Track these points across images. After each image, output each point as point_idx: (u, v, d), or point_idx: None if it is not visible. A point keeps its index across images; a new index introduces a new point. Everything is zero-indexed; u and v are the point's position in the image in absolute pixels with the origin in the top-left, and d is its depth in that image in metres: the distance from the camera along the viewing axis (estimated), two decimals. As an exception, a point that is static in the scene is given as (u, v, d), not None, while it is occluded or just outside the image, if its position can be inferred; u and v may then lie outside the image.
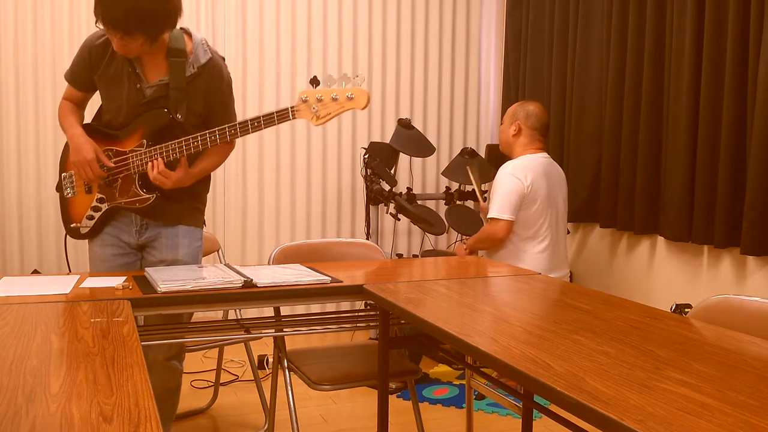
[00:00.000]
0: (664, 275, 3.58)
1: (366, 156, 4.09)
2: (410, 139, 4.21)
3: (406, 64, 4.73)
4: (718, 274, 3.28)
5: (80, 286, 2.04)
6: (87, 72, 2.38)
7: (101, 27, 2.18)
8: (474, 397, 3.28)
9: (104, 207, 2.40)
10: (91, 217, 2.42)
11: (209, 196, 4.37)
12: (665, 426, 1.08)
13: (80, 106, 2.50)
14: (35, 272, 4.06)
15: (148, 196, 2.35)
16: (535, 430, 2.92)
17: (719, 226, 3.13)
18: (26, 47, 4.05)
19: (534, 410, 2.63)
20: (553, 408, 1.57)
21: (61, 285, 2.04)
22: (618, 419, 1.11)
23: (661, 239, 3.59)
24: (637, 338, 1.57)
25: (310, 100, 2.20)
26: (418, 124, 4.69)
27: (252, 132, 2.25)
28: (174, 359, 2.49)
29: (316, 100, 2.19)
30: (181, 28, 2.36)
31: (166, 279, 2.07)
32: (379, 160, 4.05)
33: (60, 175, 2.50)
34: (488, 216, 3.32)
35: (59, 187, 2.51)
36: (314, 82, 2.20)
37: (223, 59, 2.44)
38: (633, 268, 3.79)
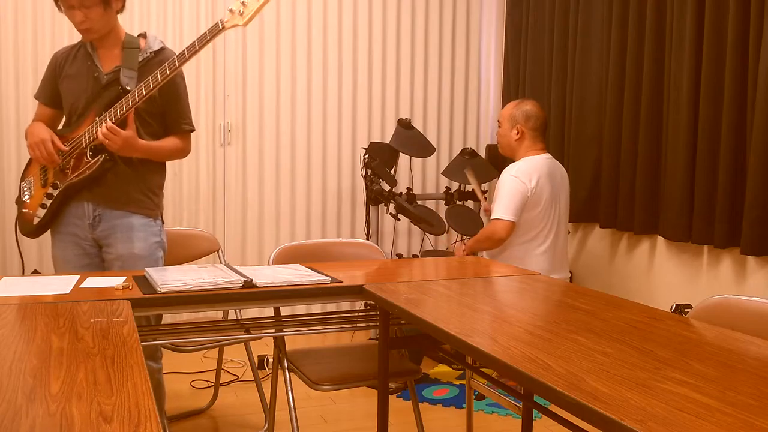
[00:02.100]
0: (664, 275, 3.58)
1: (366, 156, 4.09)
2: (410, 139, 4.21)
3: (406, 64, 4.73)
4: (718, 274, 3.28)
5: (80, 286, 2.04)
6: (53, 82, 2.54)
7: (62, 8, 2.35)
8: (474, 397, 3.28)
9: (56, 192, 2.46)
10: (44, 206, 2.48)
11: (209, 195, 4.40)
12: (665, 426, 1.08)
13: (50, 127, 2.56)
14: (35, 272, 4.06)
15: (95, 159, 2.41)
16: (535, 430, 2.92)
17: (719, 226, 3.13)
18: (26, 47, 4.05)
19: (534, 410, 2.63)
20: (553, 408, 1.57)
21: (61, 285, 2.04)
22: (618, 419, 1.11)
23: (661, 239, 3.59)
24: (637, 338, 1.57)
25: (235, 7, 2.33)
26: (418, 124, 4.69)
27: (189, 57, 2.34)
28: (148, 359, 2.50)
29: (241, 4, 2.32)
30: (139, 35, 2.54)
31: (166, 279, 2.07)
32: (379, 161, 4.05)
33: (20, 186, 2.58)
34: (491, 217, 3.31)
35: (18, 199, 2.58)
36: None
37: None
38: (633, 268, 3.79)
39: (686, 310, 3.00)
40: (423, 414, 3.04)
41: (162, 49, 2.52)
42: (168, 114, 2.51)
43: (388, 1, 4.66)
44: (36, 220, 2.48)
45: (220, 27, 2.33)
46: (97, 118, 2.40)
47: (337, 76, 4.59)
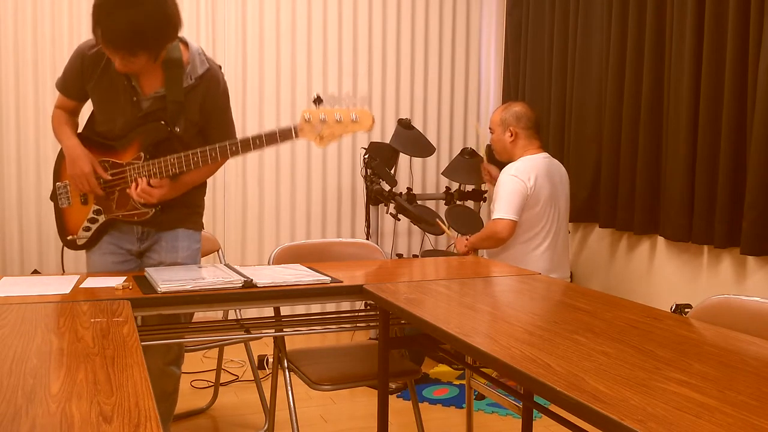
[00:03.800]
0: (664, 275, 3.58)
1: (366, 156, 4.09)
2: (410, 139, 4.21)
3: (406, 64, 4.73)
4: (718, 274, 3.28)
5: (80, 286, 2.04)
6: (79, 81, 2.33)
7: (103, 46, 2.12)
8: (474, 397, 3.28)
9: (101, 219, 2.38)
10: (87, 229, 2.40)
11: (209, 196, 4.39)
12: (665, 426, 1.08)
13: (73, 114, 2.47)
14: (35, 272, 4.06)
15: (146, 210, 2.34)
16: (535, 430, 2.92)
17: (719, 226, 3.13)
18: (26, 47, 4.05)
19: (534, 410, 2.63)
20: (553, 408, 1.57)
21: (61, 285, 2.04)
22: (618, 419, 1.11)
23: (661, 239, 3.59)
24: (637, 338, 1.57)
25: (314, 120, 2.17)
26: (418, 124, 4.69)
27: (253, 150, 2.22)
28: (172, 365, 2.49)
29: (320, 120, 2.16)
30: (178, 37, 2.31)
31: (166, 279, 2.07)
32: (379, 160, 4.05)
33: (54, 185, 2.48)
34: (492, 217, 3.31)
35: (53, 197, 2.48)
36: (317, 101, 2.17)
37: (220, 67, 2.41)
38: (633, 268, 3.79)
39: (686, 310, 3.00)
40: (423, 414, 3.04)
41: (207, 71, 2.31)
42: (212, 134, 2.36)
43: (388, 1, 4.66)
44: (80, 242, 2.41)
45: (293, 136, 2.18)
46: (141, 154, 2.28)
47: (337, 76, 4.59)
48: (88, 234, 2.41)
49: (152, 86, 2.27)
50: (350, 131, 2.17)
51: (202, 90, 2.32)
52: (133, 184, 2.27)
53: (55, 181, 2.48)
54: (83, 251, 2.49)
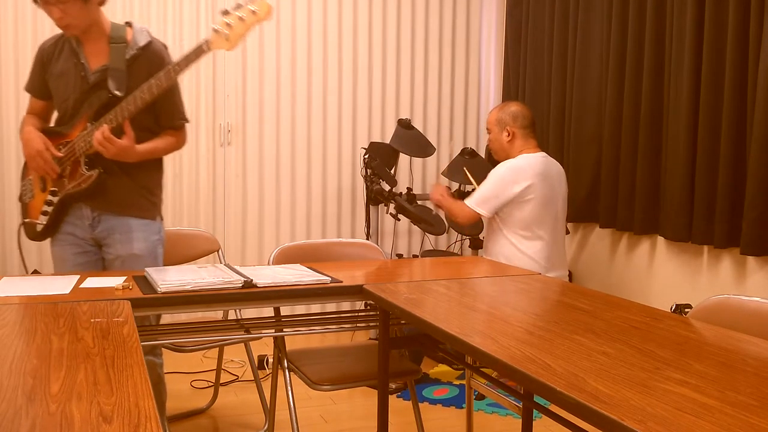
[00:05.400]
0: (664, 275, 3.58)
1: (366, 156, 4.09)
2: (410, 139, 4.21)
3: (406, 64, 4.73)
4: (718, 274, 3.28)
5: (80, 286, 2.04)
6: (42, 75, 2.48)
7: (40, 3, 2.27)
8: (474, 397, 3.28)
9: (56, 199, 2.44)
10: (45, 213, 2.46)
11: (209, 195, 4.40)
12: (665, 426, 1.08)
13: (43, 118, 2.57)
14: (35, 272, 4.06)
15: (90, 173, 2.39)
16: (535, 430, 2.92)
17: (719, 226, 3.13)
18: (26, 47, 4.05)
19: (534, 410, 2.63)
20: (553, 408, 1.57)
21: (61, 285, 2.04)
22: (618, 419, 1.11)
23: (661, 239, 3.59)
24: (637, 338, 1.57)
25: (221, 28, 2.26)
26: (418, 124, 4.69)
27: (175, 76, 2.29)
28: (148, 355, 2.50)
29: (226, 25, 2.25)
30: (126, 22, 2.47)
31: (166, 279, 2.07)
32: (379, 160, 4.05)
33: (21, 184, 2.57)
34: (467, 199, 3.35)
35: (21, 196, 2.57)
36: (224, 13, 2.26)
37: (165, 47, 2.51)
38: (633, 268, 3.79)
39: (686, 310, 3.00)
40: (423, 414, 3.04)
41: (149, 44, 2.44)
42: (161, 110, 2.46)
43: (388, 1, 4.66)
44: (39, 227, 2.48)
45: (205, 50, 2.26)
46: (88, 125, 2.36)
47: (337, 76, 4.59)
48: (46, 218, 2.46)
49: (98, 61, 2.42)
50: (252, 24, 2.24)
51: (145, 62, 2.41)
52: (94, 137, 2.30)
53: (21, 180, 2.58)
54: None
